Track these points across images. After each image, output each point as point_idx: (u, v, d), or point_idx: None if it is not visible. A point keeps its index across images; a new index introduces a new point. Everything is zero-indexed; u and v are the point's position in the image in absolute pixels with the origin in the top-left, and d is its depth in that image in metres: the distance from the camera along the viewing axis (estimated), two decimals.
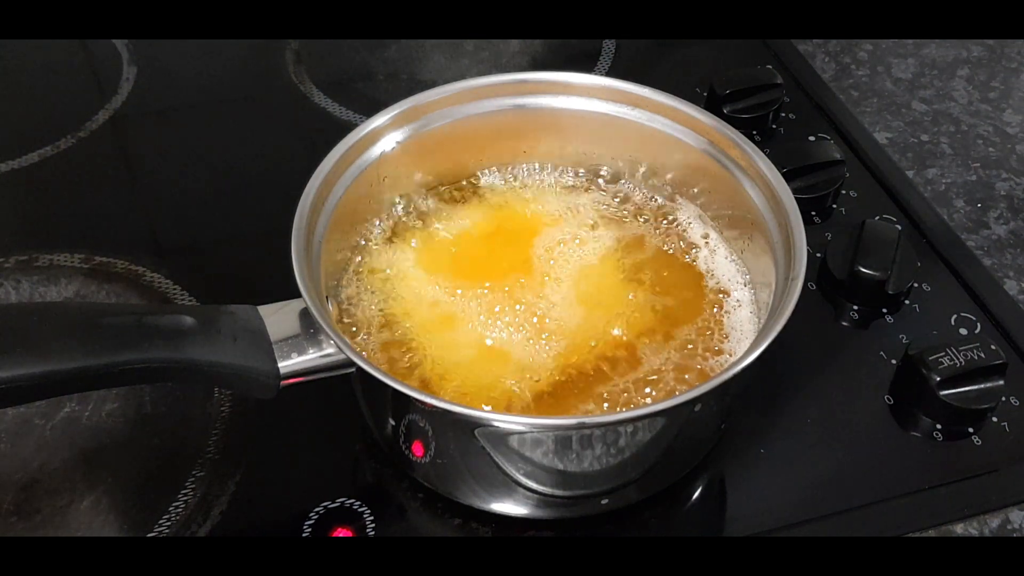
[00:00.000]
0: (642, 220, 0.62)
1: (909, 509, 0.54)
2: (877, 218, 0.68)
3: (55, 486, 0.55)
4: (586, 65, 0.84)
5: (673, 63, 0.86)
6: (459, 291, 0.57)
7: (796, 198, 0.54)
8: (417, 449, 0.51)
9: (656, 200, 0.63)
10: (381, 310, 0.56)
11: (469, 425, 0.47)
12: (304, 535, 0.52)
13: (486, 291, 0.57)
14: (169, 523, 0.53)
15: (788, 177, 0.55)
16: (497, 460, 0.48)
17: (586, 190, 0.64)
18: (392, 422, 0.51)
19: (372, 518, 0.53)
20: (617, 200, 0.63)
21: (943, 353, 0.58)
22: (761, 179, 0.56)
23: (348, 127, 0.57)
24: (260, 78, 0.85)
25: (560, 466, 0.49)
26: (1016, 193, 0.75)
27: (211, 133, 0.80)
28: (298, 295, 0.48)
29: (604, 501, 0.53)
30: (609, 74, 0.82)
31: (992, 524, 0.54)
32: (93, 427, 0.57)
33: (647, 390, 0.53)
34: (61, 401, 0.58)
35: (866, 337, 0.63)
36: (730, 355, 0.55)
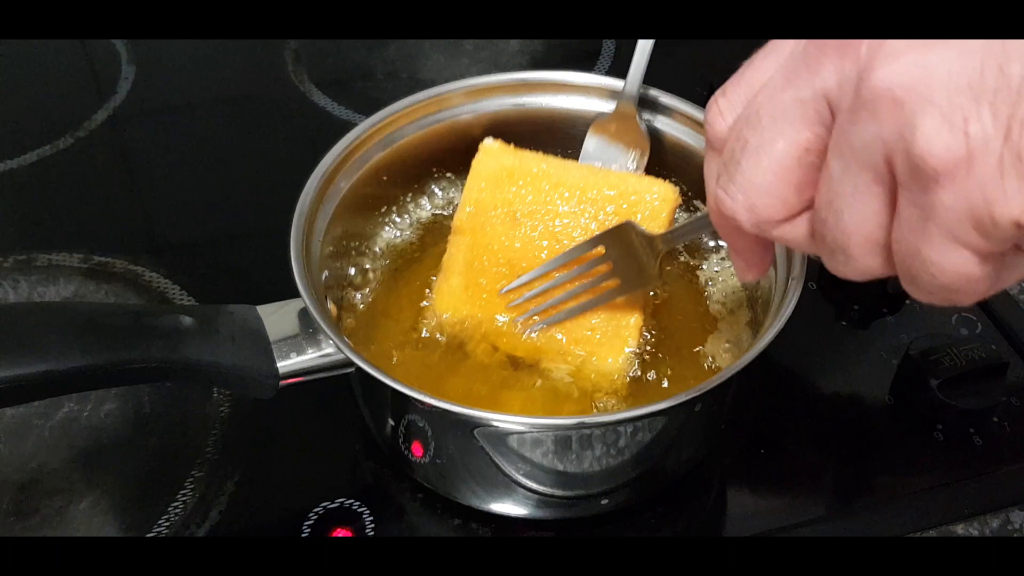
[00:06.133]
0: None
1: (909, 509, 0.54)
2: None
3: (54, 486, 0.55)
4: (586, 65, 0.84)
5: (673, 63, 0.86)
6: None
7: None
8: (416, 449, 0.51)
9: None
10: (378, 311, 0.56)
11: (468, 425, 0.47)
12: (303, 535, 0.52)
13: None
14: (168, 523, 0.53)
15: None
16: (496, 460, 0.48)
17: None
18: (391, 422, 0.51)
19: (371, 518, 0.53)
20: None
21: (943, 353, 0.57)
22: None
23: (348, 127, 0.57)
24: (260, 78, 0.85)
25: (560, 466, 0.49)
26: None
27: (211, 133, 0.80)
28: (297, 295, 0.48)
29: (604, 501, 0.53)
30: (609, 74, 0.82)
31: (992, 524, 0.54)
32: (92, 427, 0.57)
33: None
34: (60, 401, 0.58)
35: (866, 337, 0.63)
36: (730, 355, 0.55)
